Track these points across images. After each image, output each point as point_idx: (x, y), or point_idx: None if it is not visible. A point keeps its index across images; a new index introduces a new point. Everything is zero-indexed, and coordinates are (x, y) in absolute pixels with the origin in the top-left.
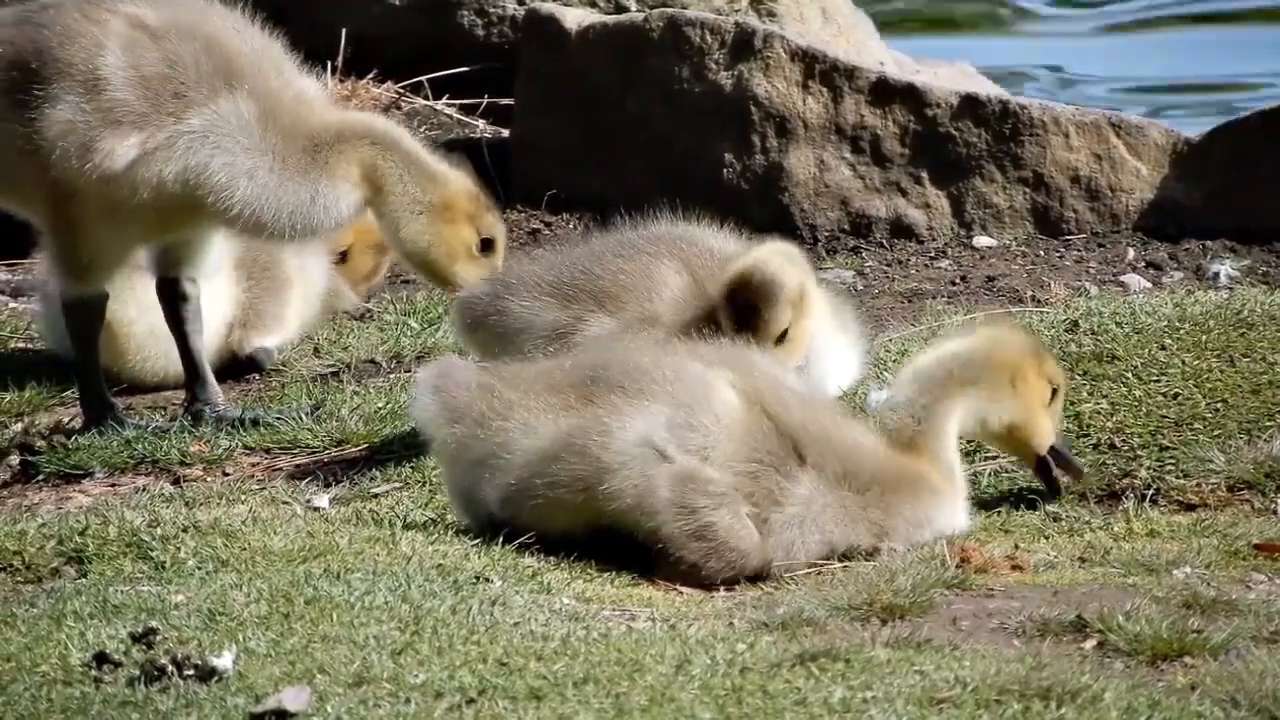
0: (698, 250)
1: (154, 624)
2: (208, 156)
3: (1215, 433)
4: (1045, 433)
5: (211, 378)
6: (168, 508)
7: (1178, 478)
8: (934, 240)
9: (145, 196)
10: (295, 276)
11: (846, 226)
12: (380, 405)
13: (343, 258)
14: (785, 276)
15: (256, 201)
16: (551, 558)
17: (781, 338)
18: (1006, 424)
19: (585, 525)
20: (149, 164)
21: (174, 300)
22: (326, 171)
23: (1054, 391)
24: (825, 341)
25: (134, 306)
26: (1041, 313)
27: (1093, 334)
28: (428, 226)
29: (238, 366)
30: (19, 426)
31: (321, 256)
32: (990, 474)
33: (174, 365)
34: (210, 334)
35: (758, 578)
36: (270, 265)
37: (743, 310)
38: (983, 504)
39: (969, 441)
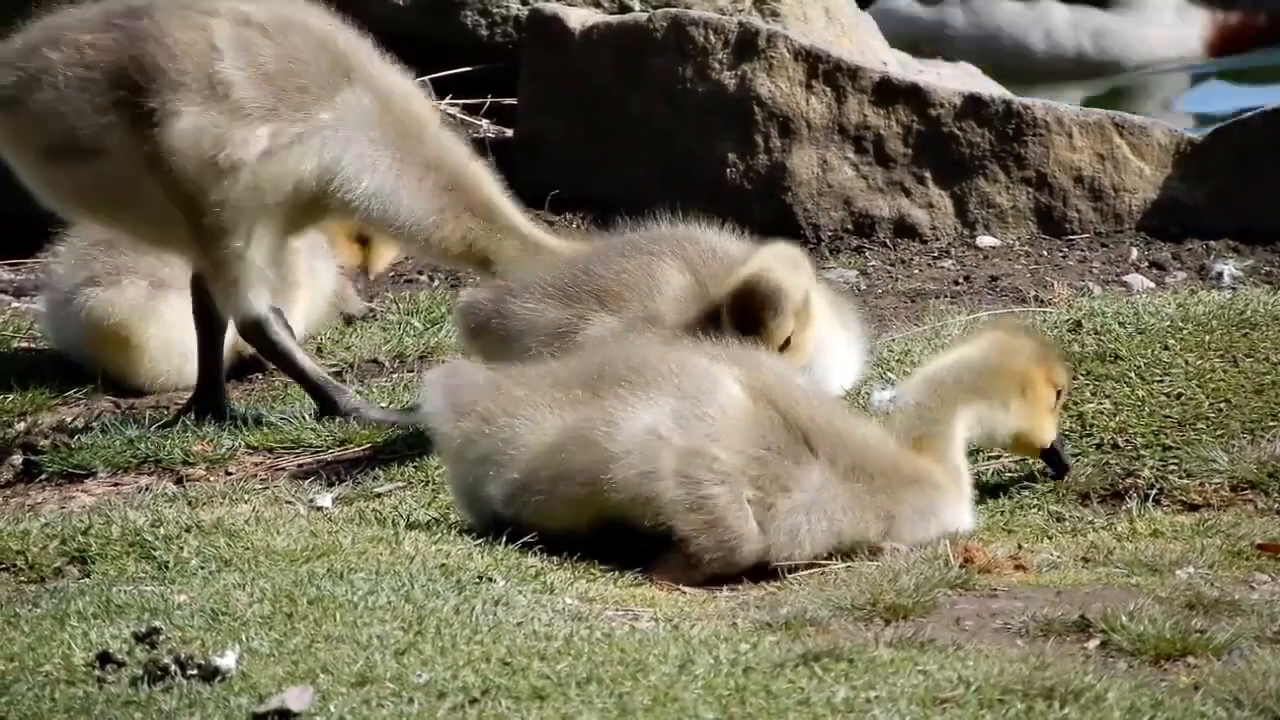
0: (700, 249)
1: (157, 624)
2: (340, 149)
3: (1218, 433)
4: (1048, 433)
5: (223, 380)
6: (171, 507)
7: (1181, 478)
8: (937, 240)
9: (285, 194)
10: (303, 279)
11: (850, 226)
12: (383, 405)
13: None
14: (789, 286)
15: (376, 194)
16: (555, 557)
17: (785, 345)
18: (1014, 432)
19: (589, 521)
20: (285, 159)
21: (208, 298)
22: (438, 194)
23: (1058, 393)
24: (825, 340)
25: (155, 323)
26: (1044, 313)
27: (1096, 334)
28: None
29: (241, 365)
30: (22, 426)
31: (330, 259)
32: (992, 473)
33: (183, 380)
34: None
35: (761, 577)
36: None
37: (746, 318)
38: (985, 504)
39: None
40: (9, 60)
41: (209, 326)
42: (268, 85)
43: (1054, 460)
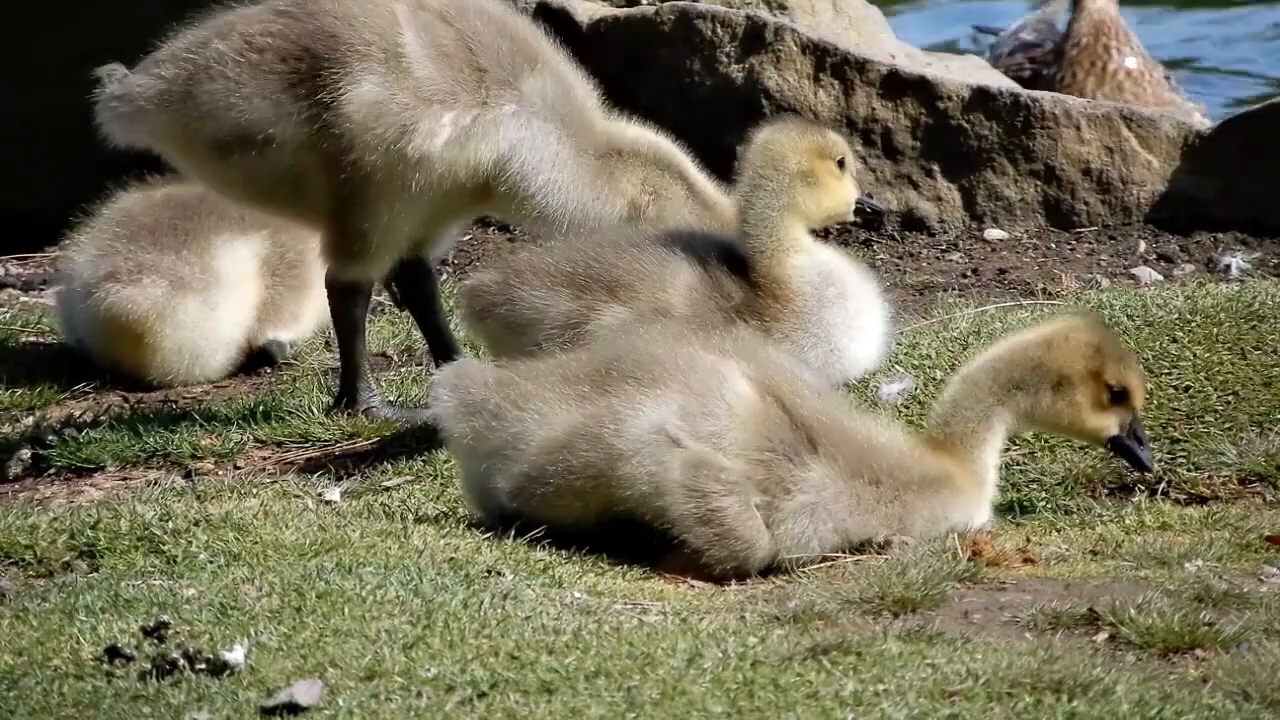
0: (710, 243)
1: (165, 618)
2: (518, 138)
3: (1226, 425)
4: (1099, 429)
5: (451, 342)
6: (179, 501)
7: (1189, 470)
8: (945, 233)
9: (461, 178)
10: (318, 278)
11: (857, 219)
12: (392, 398)
13: None
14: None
15: (552, 187)
16: (563, 551)
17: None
18: (1051, 421)
19: (596, 514)
20: (464, 145)
21: (417, 280)
22: (611, 180)
23: (1117, 392)
24: (866, 307)
25: (171, 324)
26: (1053, 305)
27: None
28: None
29: (250, 359)
30: (30, 420)
31: None
32: (1001, 467)
33: (192, 378)
34: (239, 333)
35: (769, 570)
36: (296, 264)
37: None
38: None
39: None
40: (176, 56)
41: (426, 305)
42: (448, 67)
43: (1124, 454)
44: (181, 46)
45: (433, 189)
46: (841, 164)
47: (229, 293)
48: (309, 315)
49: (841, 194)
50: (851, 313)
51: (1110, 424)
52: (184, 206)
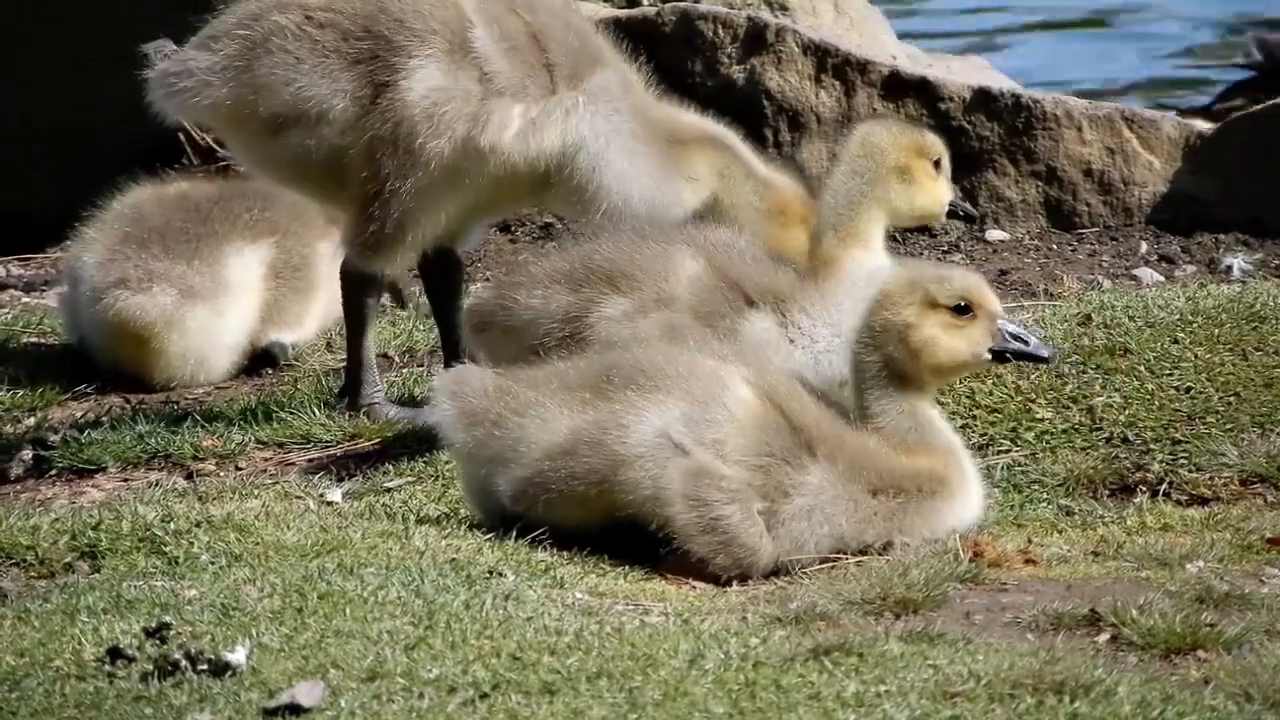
0: (712, 240)
1: (167, 619)
2: (588, 130)
3: (1228, 426)
4: (971, 350)
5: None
6: (181, 502)
7: (1190, 471)
8: (947, 234)
9: (521, 171)
10: (323, 281)
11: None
12: (393, 399)
13: None
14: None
15: (621, 179)
16: (565, 552)
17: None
18: (927, 366)
19: (598, 519)
20: (529, 138)
21: (444, 271)
22: (679, 169)
23: (961, 308)
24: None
25: (179, 331)
26: (1054, 306)
27: (1105, 327)
28: (762, 232)
29: (253, 361)
30: (32, 421)
31: None
32: (1003, 467)
33: (195, 382)
34: (244, 337)
35: (772, 571)
36: (301, 267)
37: None
38: (995, 499)
39: (982, 434)
40: (232, 31)
41: (448, 299)
42: (518, 60)
43: (1015, 357)
44: (235, 21)
45: (485, 179)
46: (938, 165)
47: (237, 300)
48: (312, 317)
49: (936, 194)
50: None
51: (977, 339)
52: (196, 210)
